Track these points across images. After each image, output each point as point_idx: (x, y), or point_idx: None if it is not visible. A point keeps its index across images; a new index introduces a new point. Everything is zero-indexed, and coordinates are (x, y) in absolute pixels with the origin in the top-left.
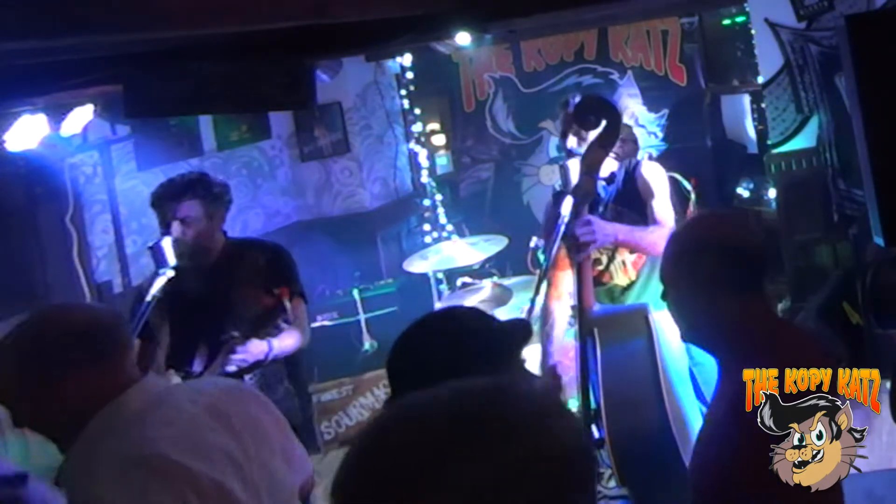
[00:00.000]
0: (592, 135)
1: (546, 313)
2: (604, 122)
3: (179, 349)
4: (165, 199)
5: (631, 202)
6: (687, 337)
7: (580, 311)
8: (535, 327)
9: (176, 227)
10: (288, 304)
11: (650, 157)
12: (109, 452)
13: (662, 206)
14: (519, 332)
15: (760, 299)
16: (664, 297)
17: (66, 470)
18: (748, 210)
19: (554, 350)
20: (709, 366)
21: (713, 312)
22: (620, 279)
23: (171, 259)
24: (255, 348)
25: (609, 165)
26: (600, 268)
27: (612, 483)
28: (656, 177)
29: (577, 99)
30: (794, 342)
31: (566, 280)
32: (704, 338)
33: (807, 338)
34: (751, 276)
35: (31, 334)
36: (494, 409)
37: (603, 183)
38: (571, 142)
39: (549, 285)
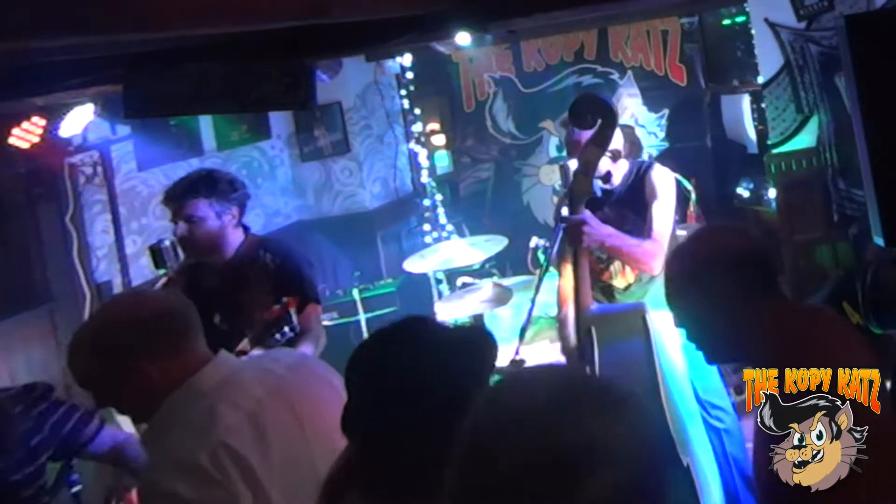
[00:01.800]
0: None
1: (560, 304)
2: (599, 121)
3: None
4: (172, 199)
5: (635, 204)
6: (716, 357)
7: (577, 310)
8: (536, 326)
9: (181, 226)
10: (294, 315)
11: (650, 158)
12: (177, 437)
13: (661, 217)
14: (479, 347)
15: (783, 299)
16: (678, 323)
17: (145, 443)
18: (746, 210)
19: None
20: (704, 366)
21: (742, 322)
22: (619, 281)
23: (171, 260)
24: None
25: (605, 164)
26: (601, 265)
27: None
28: (664, 183)
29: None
30: (835, 335)
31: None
32: (738, 351)
33: (845, 327)
34: (767, 279)
35: (110, 323)
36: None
37: (599, 182)
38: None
39: (559, 276)
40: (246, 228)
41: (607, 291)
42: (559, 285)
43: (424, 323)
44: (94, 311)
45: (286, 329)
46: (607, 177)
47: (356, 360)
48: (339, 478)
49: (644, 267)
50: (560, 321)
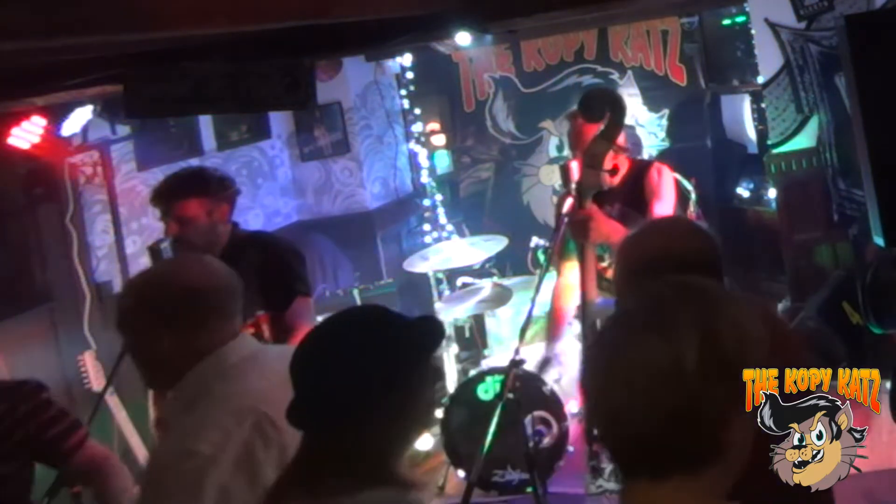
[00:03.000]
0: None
1: (551, 310)
2: (608, 115)
3: None
4: (163, 198)
5: (636, 202)
6: None
7: (583, 304)
8: (537, 326)
9: (173, 226)
10: (266, 331)
11: (649, 157)
12: (206, 402)
13: (663, 212)
14: (429, 332)
15: None
16: None
17: (169, 410)
18: (746, 210)
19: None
20: None
21: None
22: None
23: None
24: None
25: (611, 158)
26: (603, 263)
27: (614, 478)
28: (664, 181)
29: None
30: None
31: (574, 271)
32: None
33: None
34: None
35: (162, 284)
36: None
37: (606, 176)
38: None
39: (557, 275)
40: (234, 225)
41: (611, 288)
42: (556, 283)
43: (368, 311)
44: (164, 262)
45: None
46: (614, 171)
47: (299, 350)
48: (284, 476)
49: None
50: (553, 326)
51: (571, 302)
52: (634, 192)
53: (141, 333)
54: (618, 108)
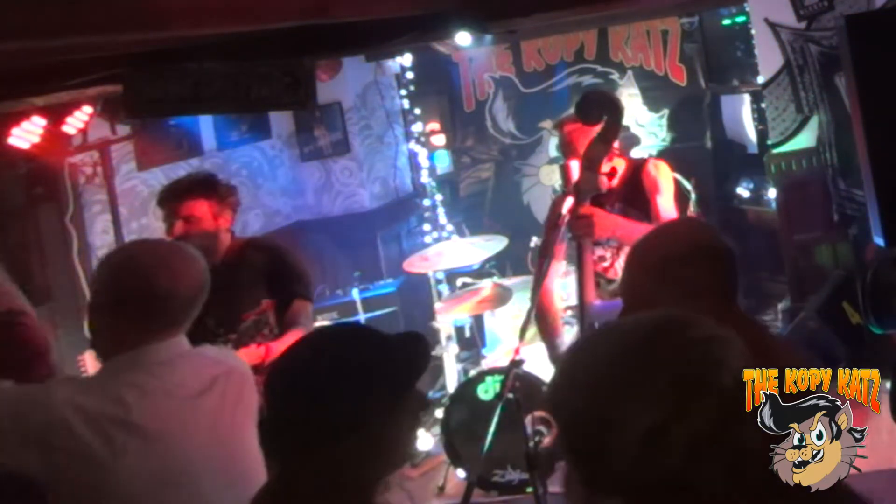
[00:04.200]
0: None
1: (542, 311)
2: (606, 117)
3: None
4: (171, 198)
5: (636, 200)
6: None
7: (581, 306)
8: (536, 326)
9: (180, 225)
10: (272, 318)
11: (649, 156)
12: (112, 392)
13: (666, 203)
14: (412, 356)
15: (738, 307)
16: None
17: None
18: (746, 210)
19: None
20: None
21: None
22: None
23: None
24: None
25: (608, 162)
26: (605, 264)
27: None
28: (662, 174)
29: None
30: (777, 346)
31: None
32: None
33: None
34: (735, 283)
35: (134, 272)
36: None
37: (604, 179)
38: None
39: (544, 277)
40: (232, 233)
41: (608, 287)
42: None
43: (347, 332)
44: (142, 243)
45: (265, 331)
46: (612, 173)
47: (274, 373)
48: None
49: None
50: (548, 329)
51: (560, 302)
52: (634, 191)
53: (95, 297)
54: (615, 110)
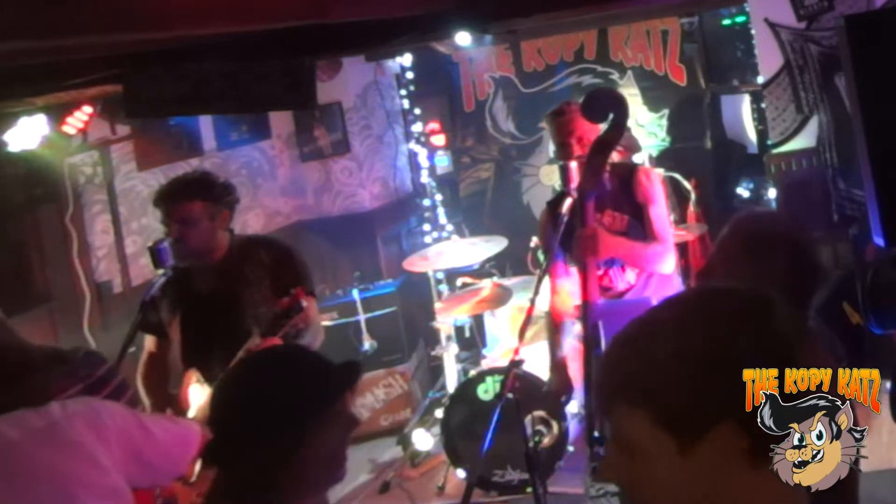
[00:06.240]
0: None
1: (551, 320)
2: (611, 116)
3: (194, 346)
4: (165, 200)
5: (629, 207)
6: None
7: (584, 307)
8: (536, 326)
9: (175, 228)
10: (304, 304)
11: (650, 157)
12: None
13: (660, 219)
14: (347, 374)
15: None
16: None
17: None
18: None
19: (564, 344)
20: None
21: None
22: (620, 284)
23: (170, 260)
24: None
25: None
26: (598, 273)
27: None
28: (654, 184)
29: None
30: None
31: (568, 285)
32: None
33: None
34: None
35: None
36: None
37: (607, 176)
38: None
39: (550, 276)
40: (231, 231)
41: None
42: (553, 301)
43: (282, 353)
44: None
45: (297, 319)
46: (612, 173)
47: (217, 388)
48: None
49: (657, 268)
50: (553, 332)
51: (570, 302)
52: (625, 196)
53: None
54: (621, 109)
